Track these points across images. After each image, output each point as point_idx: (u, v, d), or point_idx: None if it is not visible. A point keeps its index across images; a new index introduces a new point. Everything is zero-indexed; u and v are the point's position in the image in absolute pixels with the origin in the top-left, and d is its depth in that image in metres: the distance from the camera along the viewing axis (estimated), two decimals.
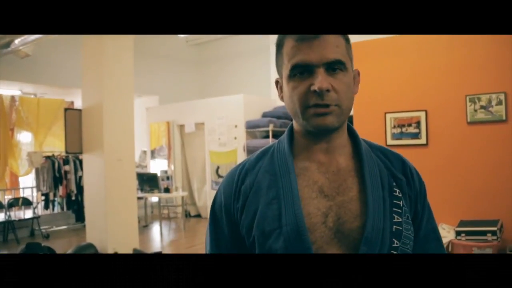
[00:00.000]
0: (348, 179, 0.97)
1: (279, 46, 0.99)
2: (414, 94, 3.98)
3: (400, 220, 0.96)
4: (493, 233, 3.27)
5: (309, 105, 0.91)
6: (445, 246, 3.40)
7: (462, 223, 3.50)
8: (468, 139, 3.71)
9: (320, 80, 0.89)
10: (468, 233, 3.36)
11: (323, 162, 0.98)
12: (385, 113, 4.09)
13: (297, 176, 0.97)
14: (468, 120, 3.70)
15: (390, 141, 4.06)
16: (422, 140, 3.91)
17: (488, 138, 3.63)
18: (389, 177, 1.00)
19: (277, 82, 1.03)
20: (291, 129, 1.04)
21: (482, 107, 3.65)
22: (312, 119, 0.92)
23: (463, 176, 3.73)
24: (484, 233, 3.30)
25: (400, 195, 0.98)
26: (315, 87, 0.89)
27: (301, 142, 1.00)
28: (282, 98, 1.01)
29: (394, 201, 0.97)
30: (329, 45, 0.91)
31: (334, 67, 0.92)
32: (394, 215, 0.95)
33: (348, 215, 0.93)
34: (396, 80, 4.10)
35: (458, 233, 3.39)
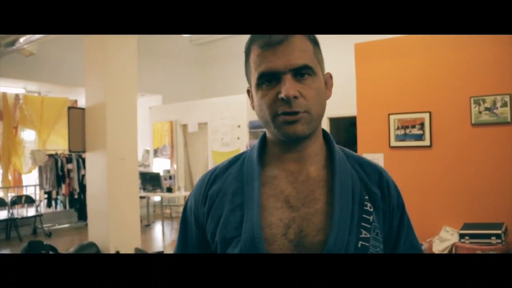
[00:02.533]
0: (316, 190, 0.93)
1: (247, 54, 0.97)
2: (418, 96, 3.96)
3: (368, 236, 0.91)
4: (498, 236, 3.25)
5: (278, 113, 0.89)
6: (448, 249, 3.38)
7: (466, 226, 3.48)
8: (473, 141, 3.69)
9: (287, 87, 0.87)
10: (472, 236, 3.34)
11: (293, 171, 0.95)
12: (389, 115, 4.07)
13: (264, 184, 0.94)
14: (473, 122, 3.68)
15: (394, 143, 4.03)
16: (426, 142, 3.88)
17: (492, 140, 3.61)
18: (362, 190, 0.96)
19: (248, 91, 1.01)
20: (264, 137, 1.02)
21: (486, 108, 3.62)
22: (282, 127, 0.89)
23: (467, 178, 3.70)
24: (488, 236, 3.27)
25: (371, 210, 0.94)
26: (282, 95, 0.87)
27: (273, 150, 0.98)
28: (253, 107, 0.98)
29: (364, 215, 0.93)
30: (295, 50, 0.89)
31: (302, 72, 0.89)
32: (361, 230, 0.91)
33: (311, 228, 0.90)
34: (400, 81, 4.08)
35: (462, 236, 3.37)
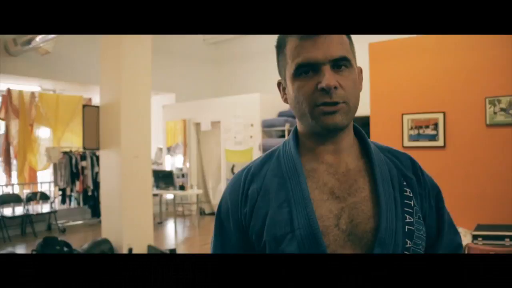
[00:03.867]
0: (359, 180, 0.95)
1: (281, 46, 0.97)
2: (432, 96, 3.93)
3: (412, 220, 0.94)
4: (511, 237, 3.22)
5: (317, 104, 0.90)
6: None
7: (479, 227, 3.45)
8: (487, 141, 3.66)
9: (328, 78, 0.88)
10: (485, 237, 3.31)
11: (332, 163, 0.96)
12: (402, 114, 4.05)
13: (306, 178, 0.94)
14: (487, 122, 3.64)
15: (407, 143, 4.01)
16: (440, 142, 3.86)
17: (507, 141, 3.57)
18: (399, 177, 0.98)
19: (279, 84, 1.02)
20: (296, 131, 1.02)
21: (502, 109, 3.59)
22: (321, 118, 0.90)
23: (481, 179, 3.67)
24: (502, 237, 3.24)
25: (411, 195, 0.97)
26: (322, 85, 0.88)
27: (307, 144, 0.98)
28: (285, 100, 0.99)
29: (405, 200, 0.95)
30: (334, 42, 0.90)
31: (340, 64, 0.90)
32: (406, 215, 0.94)
33: (362, 217, 0.91)
34: (414, 81, 4.06)
35: (475, 237, 3.34)
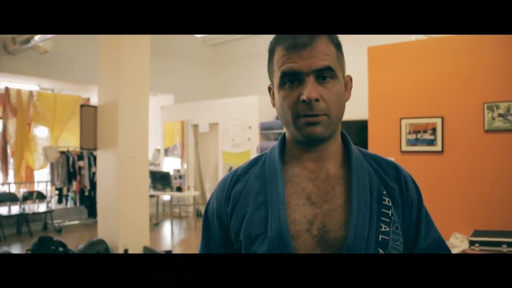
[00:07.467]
0: (336, 187, 0.96)
1: (271, 52, 0.99)
2: (431, 100, 3.93)
3: (388, 229, 0.94)
4: (509, 244, 3.21)
5: (299, 115, 0.92)
6: None
7: (477, 233, 3.44)
8: (485, 147, 3.65)
9: (309, 90, 0.90)
10: (482, 243, 3.30)
11: (313, 170, 0.98)
12: (401, 119, 4.05)
13: (286, 183, 0.97)
14: (485, 128, 3.64)
15: (405, 147, 4.01)
16: (438, 147, 3.85)
17: (505, 146, 3.57)
18: (380, 186, 0.99)
19: (269, 88, 1.04)
20: (284, 137, 1.05)
21: (500, 115, 3.58)
22: (303, 128, 0.93)
23: (479, 185, 3.66)
24: (499, 244, 3.24)
25: (390, 204, 0.97)
26: (303, 97, 0.90)
27: (293, 150, 1.01)
28: (274, 105, 1.02)
29: (383, 210, 0.96)
30: (319, 54, 0.91)
31: (324, 75, 0.92)
32: (381, 224, 0.94)
33: (333, 224, 0.92)
34: (412, 85, 4.05)
35: (472, 243, 3.33)
